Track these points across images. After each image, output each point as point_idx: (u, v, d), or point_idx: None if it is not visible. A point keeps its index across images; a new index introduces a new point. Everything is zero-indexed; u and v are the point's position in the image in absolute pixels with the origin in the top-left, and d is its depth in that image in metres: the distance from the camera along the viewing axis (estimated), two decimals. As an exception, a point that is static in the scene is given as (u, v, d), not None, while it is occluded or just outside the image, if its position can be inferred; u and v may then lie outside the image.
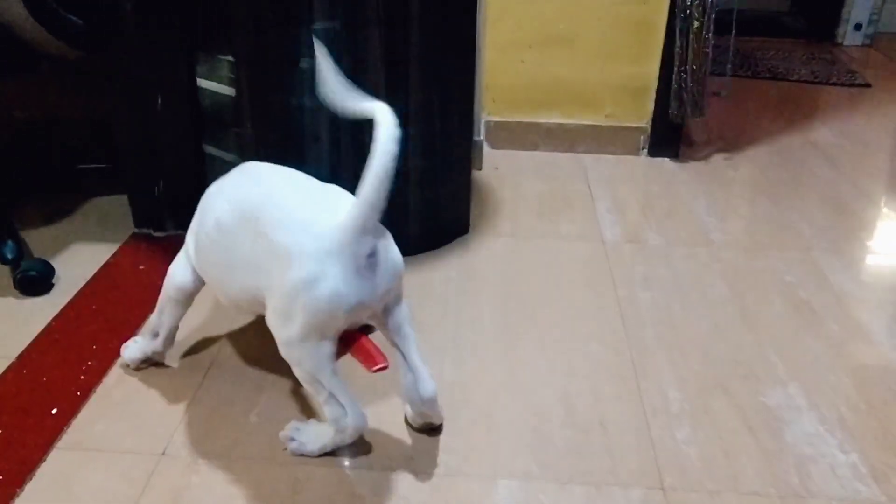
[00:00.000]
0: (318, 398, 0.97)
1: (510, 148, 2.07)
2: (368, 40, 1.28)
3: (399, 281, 0.97)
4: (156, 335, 1.16)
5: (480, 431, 1.06)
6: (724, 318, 1.34)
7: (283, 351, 0.95)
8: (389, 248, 0.94)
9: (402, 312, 1.00)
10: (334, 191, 0.98)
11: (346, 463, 1.00)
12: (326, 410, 0.97)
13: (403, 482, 0.97)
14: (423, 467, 1.00)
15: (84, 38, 1.38)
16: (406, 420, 1.08)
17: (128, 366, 1.18)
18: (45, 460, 1.00)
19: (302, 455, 1.02)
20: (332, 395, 0.96)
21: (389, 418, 1.08)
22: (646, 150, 2.05)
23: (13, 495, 0.94)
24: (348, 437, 0.99)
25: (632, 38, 1.93)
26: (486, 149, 2.04)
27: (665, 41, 1.91)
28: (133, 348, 1.18)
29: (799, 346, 1.27)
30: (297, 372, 0.96)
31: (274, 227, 0.92)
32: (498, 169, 1.94)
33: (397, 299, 0.99)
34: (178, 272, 1.11)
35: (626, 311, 1.35)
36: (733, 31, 2.37)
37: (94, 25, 1.38)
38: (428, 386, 1.01)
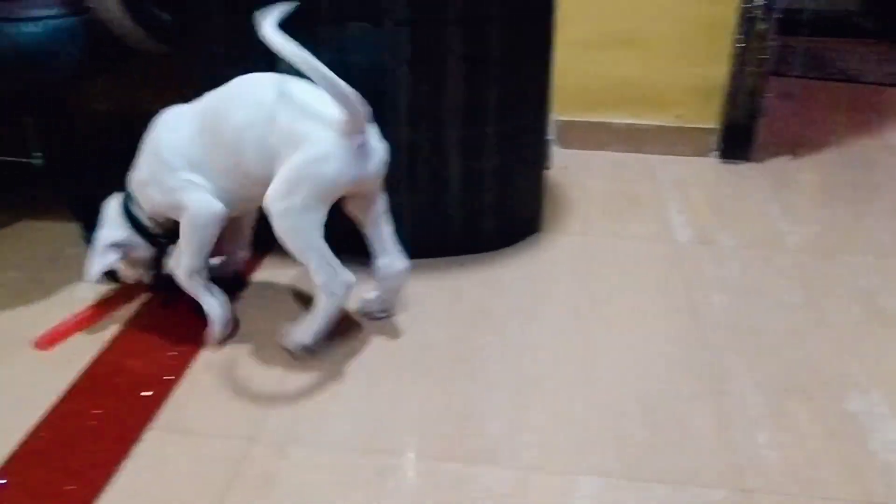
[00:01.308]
0: (310, 266, 1.14)
1: (578, 148, 2.07)
2: (449, 37, 1.30)
3: (384, 169, 1.18)
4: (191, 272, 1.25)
5: (559, 428, 1.07)
6: (801, 322, 1.32)
7: (280, 222, 1.12)
8: (377, 141, 1.16)
9: (383, 203, 1.22)
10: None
11: (430, 453, 1.02)
12: (318, 277, 1.14)
13: (486, 475, 0.99)
14: (504, 461, 1.01)
15: (172, 35, 1.43)
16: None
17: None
18: (140, 440, 1.04)
19: (304, 348, 1.19)
20: (322, 259, 1.14)
21: (471, 410, 1.10)
22: (716, 152, 2.04)
23: (112, 473, 0.99)
24: (340, 299, 1.17)
25: (703, 38, 1.92)
26: (555, 148, 2.04)
27: (736, 42, 1.89)
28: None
29: (879, 353, 1.25)
30: (291, 243, 1.13)
31: (290, 120, 1.12)
32: (567, 168, 1.95)
33: (380, 189, 1.21)
34: (210, 204, 1.20)
35: (701, 313, 1.34)
36: (807, 33, 2.34)
37: (182, 22, 1.43)
38: (402, 260, 1.26)
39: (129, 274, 1.34)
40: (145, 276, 1.34)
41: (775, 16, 1.85)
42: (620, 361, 1.21)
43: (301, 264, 1.15)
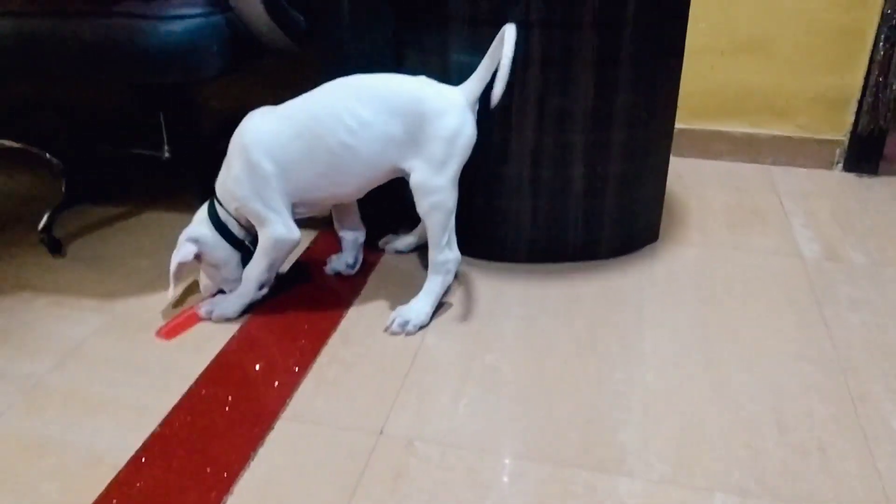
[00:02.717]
0: (440, 243, 1.25)
1: (693, 156, 2.02)
2: (583, 41, 1.29)
3: None
4: (262, 286, 1.35)
5: (691, 442, 1.04)
6: (946, 347, 1.25)
7: (435, 199, 1.22)
8: None
9: None
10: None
11: (559, 459, 1.01)
12: (443, 255, 1.26)
13: (617, 485, 0.97)
14: (635, 472, 0.99)
15: (305, 35, 1.47)
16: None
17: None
18: (272, 428, 1.07)
19: (419, 328, 1.27)
20: (452, 237, 1.26)
21: (600, 418, 1.08)
22: (840, 165, 1.95)
23: (248, 459, 1.01)
24: (452, 276, 1.30)
25: (835, 46, 1.84)
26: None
27: (872, 50, 1.81)
28: (235, 299, 1.33)
29: None
30: (437, 218, 1.23)
31: (419, 102, 1.21)
32: (682, 177, 1.90)
33: None
34: (292, 230, 1.27)
35: (835, 332, 1.28)
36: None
37: (314, 22, 1.46)
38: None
39: (207, 283, 1.36)
40: (227, 285, 1.35)
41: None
42: (752, 378, 1.17)
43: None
